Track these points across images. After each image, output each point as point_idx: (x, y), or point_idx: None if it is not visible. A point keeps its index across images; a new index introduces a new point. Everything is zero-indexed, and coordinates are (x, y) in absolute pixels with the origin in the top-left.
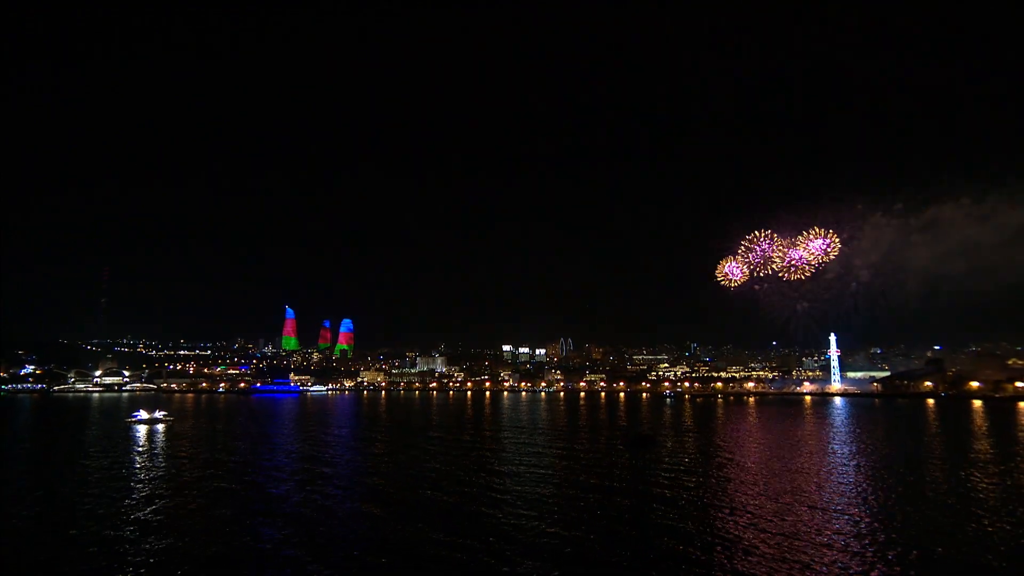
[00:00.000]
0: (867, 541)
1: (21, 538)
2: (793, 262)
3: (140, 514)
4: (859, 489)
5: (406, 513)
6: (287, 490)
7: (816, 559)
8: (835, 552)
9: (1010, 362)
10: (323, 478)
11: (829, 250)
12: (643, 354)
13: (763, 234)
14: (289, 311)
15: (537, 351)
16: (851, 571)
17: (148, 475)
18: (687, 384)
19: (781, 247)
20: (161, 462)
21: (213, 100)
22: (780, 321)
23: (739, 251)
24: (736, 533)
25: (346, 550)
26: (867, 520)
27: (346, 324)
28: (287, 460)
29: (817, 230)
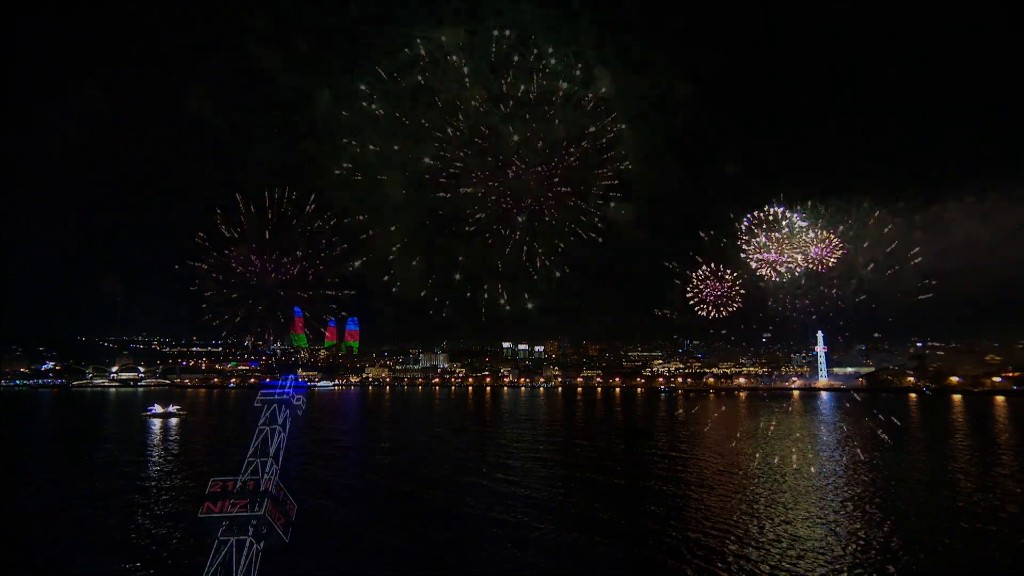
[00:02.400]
0: (850, 520)
1: (41, 525)
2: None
3: (159, 495)
4: (843, 473)
5: (413, 485)
6: (303, 469)
7: (797, 537)
8: (818, 531)
9: (988, 358)
10: (335, 460)
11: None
12: (638, 351)
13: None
14: (297, 310)
15: (536, 348)
16: (833, 550)
17: (163, 461)
18: (680, 380)
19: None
20: (176, 450)
21: (220, 104)
22: (780, 319)
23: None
24: (716, 508)
25: (361, 515)
26: (852, 500)
27: (352, 322)
28: (300, 445)
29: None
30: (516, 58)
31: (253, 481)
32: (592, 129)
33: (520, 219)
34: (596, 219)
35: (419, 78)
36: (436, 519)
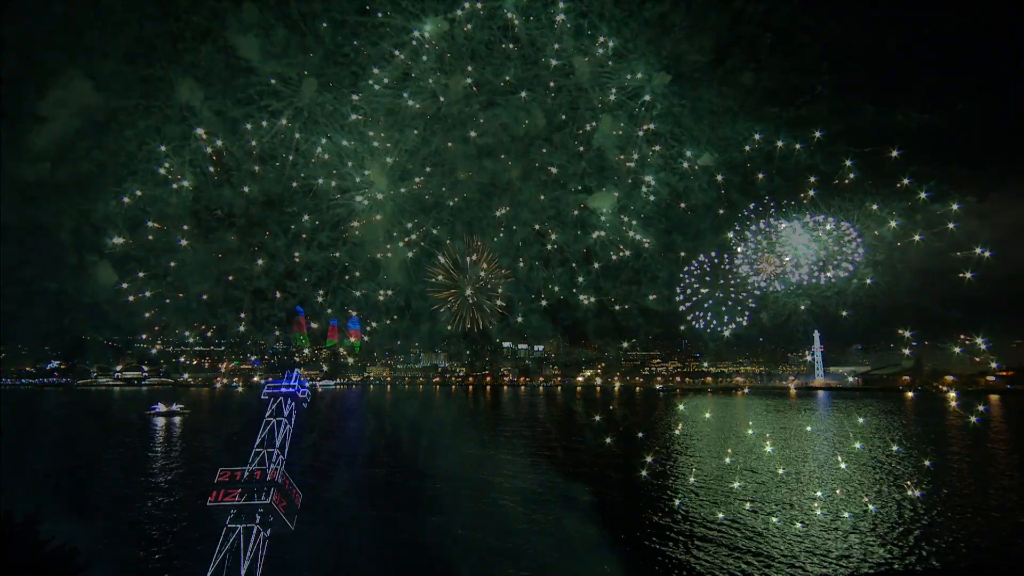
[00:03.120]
0: (846, 518)
1: (50, 517)
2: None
3: (164, 489)
4: (836, 470)
5: (414, 480)
6: (307, 462)
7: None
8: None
9: (983, 357)
10: (338, 455)
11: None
12: (637, 350)
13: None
14: (300, 310)
15: (535, 347)
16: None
17: (167, 457)
18: (679, 379)
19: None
20: (180, 446)
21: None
22: (781, 319)
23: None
24: (715, 505)
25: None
26: (847, 498)
27: (353, 322)
28: (303, 441)
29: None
30: (494, 46)
31: (259, 471)
32: (571, 118)
33: (500, 212)
34: (579, 208)
35: (397, 58)
36: (437, 513)
